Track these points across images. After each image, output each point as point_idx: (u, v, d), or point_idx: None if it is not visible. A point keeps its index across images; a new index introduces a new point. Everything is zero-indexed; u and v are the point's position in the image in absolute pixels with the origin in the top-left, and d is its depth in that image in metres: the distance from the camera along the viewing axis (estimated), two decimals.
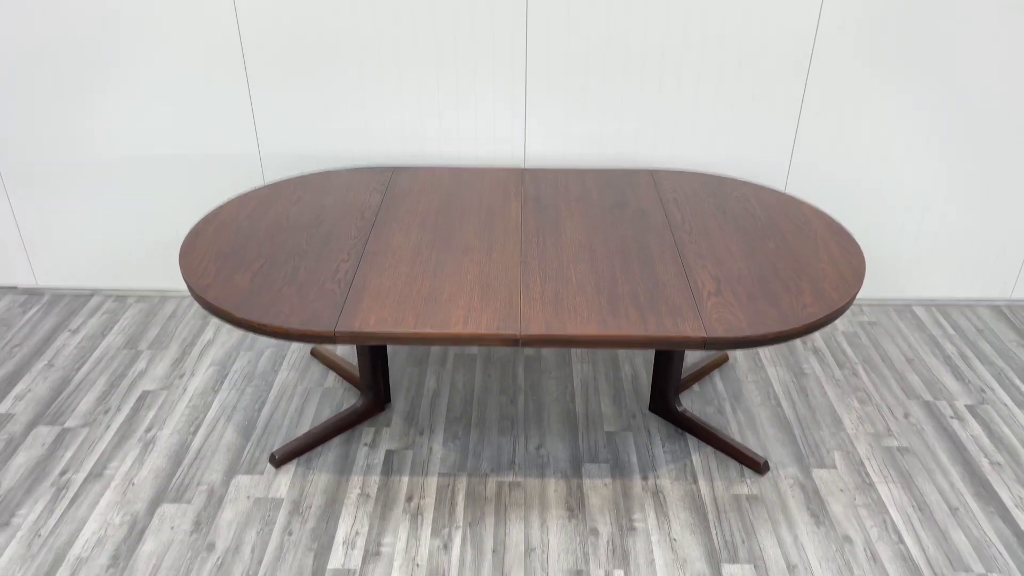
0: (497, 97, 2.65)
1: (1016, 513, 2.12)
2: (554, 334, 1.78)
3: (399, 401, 2.51)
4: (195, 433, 2.37)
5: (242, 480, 2.21)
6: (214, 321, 2.89)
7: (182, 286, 3.03)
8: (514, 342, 1.79)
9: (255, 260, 2.05)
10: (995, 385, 2.60)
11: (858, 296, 3.03)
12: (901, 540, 2.04)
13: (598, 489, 2.19)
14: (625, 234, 2.20)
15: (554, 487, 2.20)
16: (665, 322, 1.82)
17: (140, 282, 3.03)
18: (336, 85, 2.64)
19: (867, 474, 2.25)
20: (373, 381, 2.39)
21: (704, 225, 2.25)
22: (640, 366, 2.68)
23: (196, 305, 2.98)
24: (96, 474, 2.22)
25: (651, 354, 2.74)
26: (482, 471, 2.25)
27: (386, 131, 2.72)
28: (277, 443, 2.34)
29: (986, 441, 2.37)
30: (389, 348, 2.75)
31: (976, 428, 2.42)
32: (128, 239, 2.94)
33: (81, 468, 2.24)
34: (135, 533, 2.04)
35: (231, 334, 2.82)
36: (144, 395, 2.52)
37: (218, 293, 1.91)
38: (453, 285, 1.95)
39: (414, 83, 2.63)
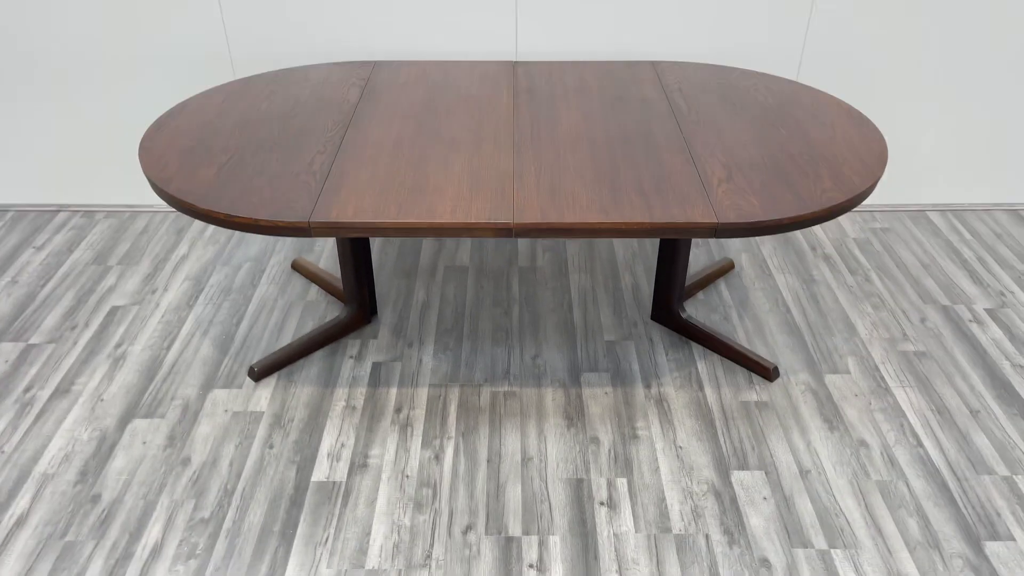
0: None
1: None
2: (551, 222, 1.62)
3: (386, 314, 2.37)
4: (168, 348, 2.22)
5: (219, 394, 2.07)
6: (188, 235, 2.72)
7: (155, 200, 2.85)
8: (507, 231, 1.63)
9: (222, 153, 1.87)
10: (1015, 288, 2.46)
11: (870, 202, 2.87)
12: (920, 444, 1.92)
13: (598, 398, 2.06)
14: (626, 123, 2.02)
15: (551, 396, 2.07)
16: (672, 209, 1.67)
17: (109, 197, 2.84)
18: None
19: (882, 379, 2.12)
20: (358, 290, 2.24)
21: (712, 114, 2.07)
22: (641, 275, 2.53)
23: (169, 219, 2.80)
24: (63, 390, 2.08)
25: (652, 263, 2.59)
26: (475, 381, 2.11)
27: (368, 26, 2.51)
28: (256, 357, 2.19)
29: (1007, 344, 2.24)
30: (375, 259, 2.59)
31: (996, 331, 2.29)
32: (94, 150, 2.74)
33: (47, 385, 2.09)
34: (104, 449, 1.91)
35: (207, 248, 2.65)
36: (114, 310, 2.37)
37: (181, 186, 1.74)
38: (439, 176, 1.79)
39: None
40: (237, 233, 2.74)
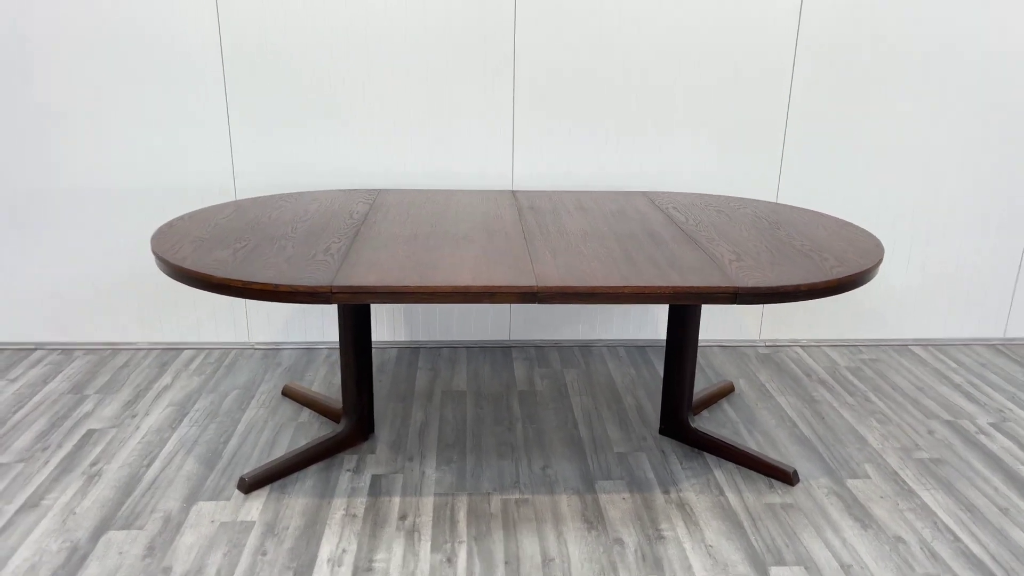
0: (486, 134, 2.61)
1: None
2: (575, 286, 1.62)
3: (383, 432, 2.26)
4: (149, 466, 2.06)
5: (205, 506, 1.90)
6: (173, 367, 2.62)
7: (137, 337, 2.77)
8: (532, 296, 1.62)
9: (236, 243, 1.87)
10: (1011, 406, 2.48)
11: (855, 336, 2.94)
12: (957, 539, 1.83)
13: (616, 503, 1.94)
14: (630, 227, 2.10)
15: (567, 502, 1.94)
16: (689, 277, 1.69)
17: (89, 334, 2.76)
18: (320, 124, 2.57)
19: (904, 482, 2.05)
20: (358, 402, 2.15)
21: (710, 222, 2.17)
22: (643, 397, 2.49)
23: (153, 355, 2.71)
24: (31, 505, 1.88)
25: (652, 387, 2.55)
26: (483, 490, 1.98)
27: (370, 162, 2.63)
28: (246, 472, 2.04)
29: (1019, 452, 2.21)
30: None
31: (1005, 441, 2.27)
32: (76, 285, 2.71)
33: (13, 500, 1.90)
34: (75, 559, 1.70)
35: (192, 379, 2.55)
36: (90, 433, 2.22)
37: (196, 263, 1.71)
38: (457, 256, 1.80)
39: (399, 122, 2.59)
40: (226, 362, 2.66)
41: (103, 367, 2.62)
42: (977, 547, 1.80)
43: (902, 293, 2.90)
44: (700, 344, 2.91)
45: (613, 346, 2.88)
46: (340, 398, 2.45)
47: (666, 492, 1.99)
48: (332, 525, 1.83)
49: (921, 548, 1.80)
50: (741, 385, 2.58)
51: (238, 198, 2.65)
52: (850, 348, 2.90)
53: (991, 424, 2.36)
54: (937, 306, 2.92)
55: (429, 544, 1.77)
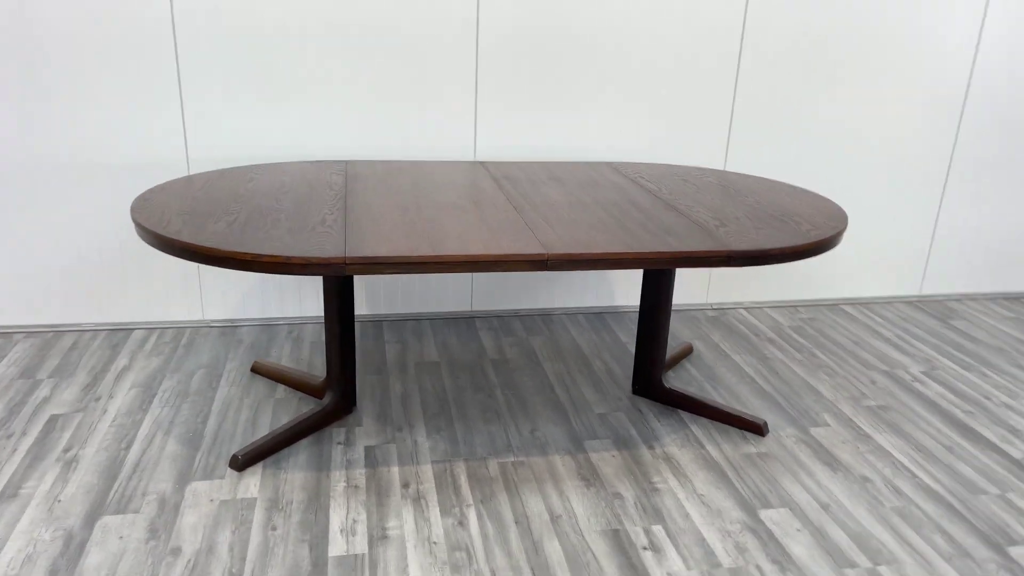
0: (449, 106, 2.61)
1: (1004, 446, 2.17)
2: (583, 252, 1.68)
3: (365, 405, 2.25)
4: (127, 448, 1.99)
5: (199, 486, 1.85)
6: (126, 348, 2.51)
7: (81, 318, 2.63)
8: (542, 263, 1.66)
9: (225, 215, 1.81)
10: (936, 355, 2.72)
11: (793, 297, 3.14)
12: (915, 476, 2.02)
13: (607, 460, 2.02)
14: (608, 196, 2.16)
15: (561, 462, 2.01)
16: (685, 241, 1.77)
17: (28, 317, 2.60)
18: (277, 88, 2.50)
19: (859, 428, 2.23)
20: (342, 375, 2.14)
21: (680, 190, 2.26)
22: (610, 360, 2.58)
23: (101, 336, 2.59)
24: (8, 495, 1.79)
25: (617, 351, 2.65)
26: (478, 455, 2.02)
27: (333, 132, 2.59)
28: (232, 451, 2.00)
29: (952, 396, 2.44)
30: None
31: (938, 388, 2.49)
32: (12, 266, 2.54)
33: None
34: (73, 547, 1.63)
35: (150, 359, 2.45)
36: (54, 418, 2.11)
37: (193, 236, 1.66)
38: (458, 226, 1.82)
39: (356, 93, 2.55)
40: (183, 341, 2.57)
41: (50, 351, 2.48)
42: (932, 482, 1.99)
43: (832, 257, 3.11)
44: None
45: (572, 313, 2.96)
46: (314, 373, 2.42)
47: (651, 448, 2.09)
48: (336, 497, 1.83)
49: (885, 485, 1.97)
50: (698, 346, 2.72)
51: (191, 172, 2.55)
52: (789, 308, 3.09)
53: (923, 373, 2.59)
54: (862, 268, 3.15)
55: (438, 510, 1.80)
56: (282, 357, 2.52)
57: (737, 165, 2.90)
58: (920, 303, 3.21)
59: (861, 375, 2.55)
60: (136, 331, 2.65)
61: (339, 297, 2.07)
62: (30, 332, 2.60)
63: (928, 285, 3.24)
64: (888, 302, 3.20)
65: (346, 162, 2.44)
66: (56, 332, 2.61)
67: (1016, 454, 2.13)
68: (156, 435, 2.05)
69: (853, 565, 1.68)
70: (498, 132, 2.69)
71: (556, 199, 2.10)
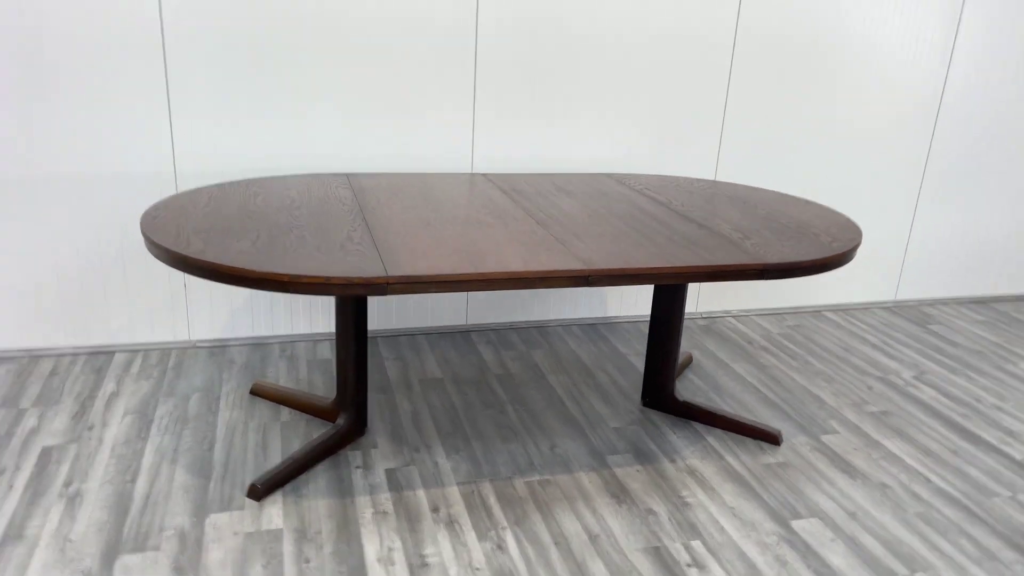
0: (447, 115, 2.56)
1: (1005, 448, 2.24)
2: (623, 267, 1.66)
3: (376, 425, 2.18)
4: (133, 481, 1.88)
5: (219, 518, 1.76)
6: (111, 372, 2.38)
7: (58, 341, 2.48)
8: (584, 280, 1.64)
9: (245, 233, 1.73)
10: (923, 360, 2.80)
11: (776, 305, 3.19)
12: (928, 480, 2.06)
13: (633, 476, 2.01)
14: (623, 208, 2.15)
15: (588, 479, 1.98)
16: (717, 255, 1.77)
17: (2, 341, 2.44)
18: (267, 99, 2.41)
19: (867, 434, 2.27)
20: (356, 395, 2.07)
21: (692, 203, 2.27)
22: (614, 372, 2.57)
23: (81, 360, 2.44)
24: (13, 536, 1.66)
25: (620, 362, 2.64)
26: (503, 475, 1.98)
27: (323, 151, 2.51)
28: (246, 479, 1.91)
29: (945, 399, 2.51)
30: None
31: (931, 392, 2.56)
32: None
33: None
34: None
35: (139, 383, 2.33)
36: (47, 451, 1.98)
37: (219, 256, 1.58)
38: (488, 242, 1.78)
39: (353, 105, 2.48)
40: (171, 363, 2.45)
41: (28, 377, 2.33)
42: (947, 486, 2.04)
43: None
44: (640, 320, 3.03)
45: (567, 325, 2.94)
46: (316, 393, 2.33)
47: (672, 461, 2.09)
48: (366, 524, 1.76)
49: (904, 491, 2.01)
50: (698, 357, 2.74)
51: (178, 185, 2.43)
52: (776, 316, 3.14)
53: (914, 378, 2.66)
54: (841, 274, 3.23)
55: (473, 534, 1.75)
56: (279, 377, 2.43)
57: (727, 175, 2.93)
58: (896, 308, 3.31)
59: (858, 381, 2.61)
60: (118, 354, 2.51)
61: (355, 315, 2.00)
62: (4, 357, 2.44)
63: (903, 290, 3.34)
64: (866, 308, 3.29)
65: (347, 175, 2.37)
66: (32, 356, 2.46)
67: (1018, 456, 2.21)
68: (162, 465, 1.94)
69: (893, 574, 1.71)
70: (494, 143, 2.65)
71: (573, 212, 2.08)
